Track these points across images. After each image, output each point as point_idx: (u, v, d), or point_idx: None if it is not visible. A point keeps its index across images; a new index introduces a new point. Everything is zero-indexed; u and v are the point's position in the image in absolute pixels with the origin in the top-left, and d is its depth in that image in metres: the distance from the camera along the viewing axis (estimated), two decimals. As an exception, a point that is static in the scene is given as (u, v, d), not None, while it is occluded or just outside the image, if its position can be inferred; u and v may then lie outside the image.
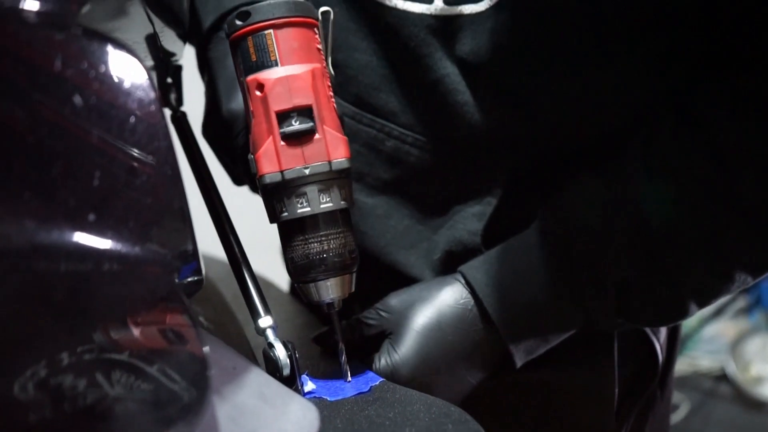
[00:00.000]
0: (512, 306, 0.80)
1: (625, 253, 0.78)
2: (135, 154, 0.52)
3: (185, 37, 0.82)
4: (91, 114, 0.50)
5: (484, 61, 0.79)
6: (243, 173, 0.81)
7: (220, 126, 0.81)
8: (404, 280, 0.86)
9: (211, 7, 0.84)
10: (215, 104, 0.83)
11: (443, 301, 0.80)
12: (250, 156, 0.71)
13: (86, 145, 0.50)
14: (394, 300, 0.82)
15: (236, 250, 0.76)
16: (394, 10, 0.82)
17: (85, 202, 0.49)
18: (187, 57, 0.92)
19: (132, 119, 0.52)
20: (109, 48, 0.52)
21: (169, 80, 0.87)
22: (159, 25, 0.75)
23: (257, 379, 0.60)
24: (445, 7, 0.80)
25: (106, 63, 0.51)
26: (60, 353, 0.43)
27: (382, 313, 0.82)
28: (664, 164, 0.77)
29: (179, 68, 0.88)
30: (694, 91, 0.79)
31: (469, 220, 0.85)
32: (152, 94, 0.52)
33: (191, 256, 0.59)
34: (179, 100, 0.88)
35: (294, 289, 1.15)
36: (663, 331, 0.93)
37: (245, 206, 1.04)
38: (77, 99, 0.50)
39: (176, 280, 0.57)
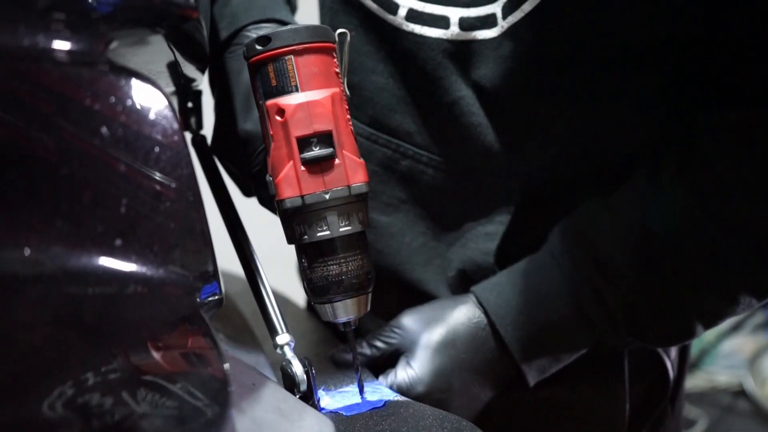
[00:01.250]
0: (524, 326, 0.83)
1: (633, 277, 0.81)
2: (159, 181, 0.55)
3: (204, 69, 0.85)
4: (119, 144, 0.53)
5: (497, 85, 0.82)
6: (256, 189, 0.84)
7: (234, 144, 0.83)
8: (420, 296, 0.89)
9: (226, 22, 0.86)
10: (228, 120, 0.84)
11: (457, 319, 0.84)
12: (269, 178, 0.73)
13: (114, 174, 0.53)
14: (408, 319, 0.85)
15: (254, 268, 0.78)
16: (411, 35, 0.85)
17: (112, 228, 0.52)
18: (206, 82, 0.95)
19: (156, 148, 0.55)
20: (134, 81, 0.55)
21: (190, 105, 0.91)
22: (179, 55, 0.78)
23: (275, 394, 0.62)
24: (461, 32, 0.83)
25: (131, 96, 0.54)
26: (88, 373, 0.46)
27: (397, 331, 0.85)
28: (669, 192, 0.80)
29: (199, 93, 0.91)
30: (699, 122, 0.81)
31: (481, 239, 0.87)
32: (175, 125, 0.55)
33: (212, 276, 0.61)
34: (199, 124, 0.90)
35: (310, 306, 1.17)
36: (673, 350, 0.95)
37: (262, 224, 1.07)
38: (105, 130, 0.53)
39: (197, 300, 0.60)
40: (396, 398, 0.75)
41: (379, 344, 0.85)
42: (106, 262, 0.52)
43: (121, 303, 0.52)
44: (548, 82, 0.82)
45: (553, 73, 0.81)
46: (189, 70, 0.86)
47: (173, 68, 0.81)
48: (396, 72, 0.88)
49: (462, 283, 0.89)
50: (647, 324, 0.82)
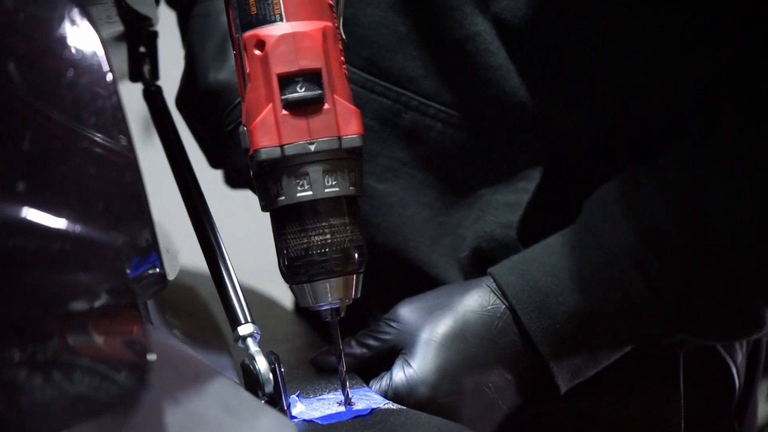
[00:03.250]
0: (552, 314, 0.77)
1: (685, 251, 0.75)
2: (74, 119, 0.52)
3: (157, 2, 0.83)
4: (23, 72, 0.50)
5: (520, 19, 0.78)
6: (225, 156, 0.81)
7: (203, 99, 0.78)
8: (426, 282, 0.83)
9: None
10: (198, 73, 0.80)
11: (467, 306, 0.78)
12: (243, 128, 0.68)
13: (14, 106, 0.50)
14: (406, 309, 0.79)
15: (213, 243, 0.72)
16: None
17: (12, 168, 0.50)
18: (166, 22, 0.93)
19: (71, 78, 0.50)
20: (61, 9, 0.52)
21: (143, 49, 0.85)
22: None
23: (223, 389, 0.57)
24: None
25: (47, 17, 0.52)
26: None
27: (393, 325, 0.78)
28: (729, 150, 0.76)
29: (154, 35, 0.86)
30: (756, 75, 0.77)
31: (500, 210, 0.82)
32: (99, 54, 0.51)
33: (148, 245, 0.59)
34: (154, 73, 0.84)
35: (299, 308, 1.15)
36: (740, 352, 0.89)
37: (241, 204, 1.04)
38: (7, 55, 0.51)
39: (128, 271, 0.57)
40: (387, 406, 0.72)
41: (371, 342, 0.79)
42: (6, 208, 0.50)
43: (25, 258, 0.50)
44: (581, 19, 0.77)
45: (586, 9, 0.77)
46: (140, 5, 0.84)
47: (120, 2, 0.79)
48: (397, 3, 0.83)
49: (477, 265, 0.83)
50: (702, 310, 0.77)
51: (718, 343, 0.85)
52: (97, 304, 0.52)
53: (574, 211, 0.81)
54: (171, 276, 0.71)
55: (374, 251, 0.84)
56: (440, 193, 0.85)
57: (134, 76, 0.85)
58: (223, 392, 0.59)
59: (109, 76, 0.53)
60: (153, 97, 0.83)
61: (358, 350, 0.80)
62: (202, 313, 1.01)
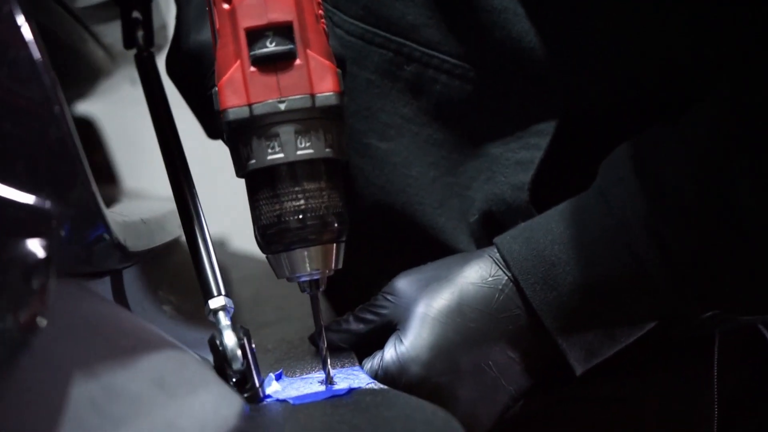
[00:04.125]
0: (559, 286, 0.72)
1: (707, 223, 0.71)
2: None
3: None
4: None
5: None
6: (203, 120, 0.79)
7: (185, 62, 0.77)
8: (434, 248, 0.80)
9: None
10: (181, 36, 0.78)
11: (466, 278, 0.74)
12: (214, 89, 0.66)
13: None
14: (403, 281, 0.76)
15: (193, 213, 0.71)
16: None
17: None
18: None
19: None
20: None
21: (136, 15, 0.85)
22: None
23: (165, 364, 0.56)
24: None
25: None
26: None
27: (390, 299, 0.75)
28: (762, 118, 0.71)
29: (148, 0, 0.85)
30: None
31: (511, 169, 0.78)
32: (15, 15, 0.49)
33: (88, 208, 0.57)
34: (148, 39, 0.83)
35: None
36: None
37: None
38: None
39: (64, 236, 0.55)
40: (370, 386, 0.69)
41: (368, 316, 0.76)
42: None
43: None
44: None
45: None
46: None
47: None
48: None
49: (488, 230, 0.79)
50: (723, 281, 0.71)
51: (745, 318, 0.78)
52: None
53: (591, 173, 0.76)
54: (137, 247, 0.69)
55: (377, 214, 0.82)
56: (447, 151, 0.81)
57: (128, 42, 0.84)
58: (162, 367, 0.56)
59: (21, 21, 0.50)
60: (144, 62, 0.81)
61: (354, 326, 0.77)
62: (191, 283, 1.00)
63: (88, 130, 1.50)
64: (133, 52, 0.85)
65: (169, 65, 0.79)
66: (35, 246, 0.50)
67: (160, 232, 0.78)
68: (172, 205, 0.84)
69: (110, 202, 1.11)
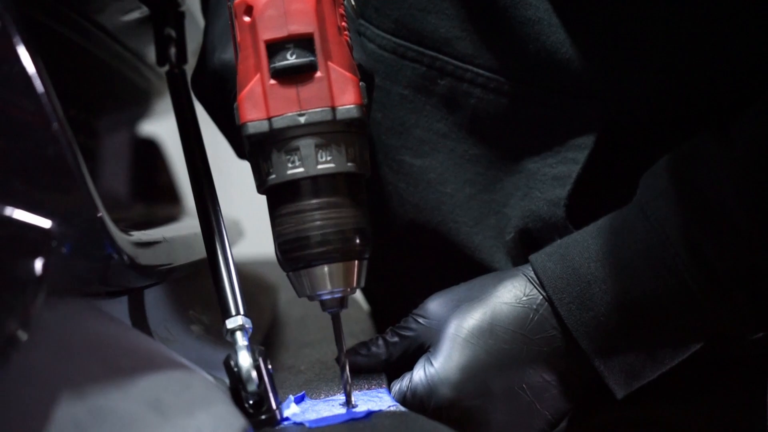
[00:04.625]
0: (596, 306, 0.71)
1: (752, 239, 0.69)
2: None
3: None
4: None
5: None
6: (231, 139, 0.78)
7: (211, 81, 0.78)
8: (470, 266, 0.80)
9: None
10: (207, 54, 0.77)
11: (499, 298, 0.73)
12: (235, 104, 0.66)
13: None
14: (435, 302, 0.75)
15: (214, 230, 0.71)
16: None
17: None
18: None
19: None
20: None
21: (170, 31, 0.85)
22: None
23: (162, 385, 0.55)
24: None
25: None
26: None
27: (421, 321, 0.74)
28: None
29: (181, 16, 0.86)
30: None
31: (548, 185, 0.77)
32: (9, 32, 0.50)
33: (90, 231, 0.57)
34: (181, 56, 0.83)
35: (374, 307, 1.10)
36: None
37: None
38: None
39: (63, 253, 0.55)
40: (392, 409, 0.67)
41: (396, 339, 0.75)
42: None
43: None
44: None
45: None
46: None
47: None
48: None
49: (525, 248, 0.78)
50: None
51: None
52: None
53: (631, 188, 0.73)
54: (157, 266, 0.69)
55: (413, 232, 0.82)
56: (483, 167, 0.81)
57: (161, 59, 0.85)
58: (161, 388, 0.56)
59: (17, 40, 0.51)
60: (175, 79, 0.82)
61: (383, 348, 0.75)
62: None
63: (152, 149, 1.52)
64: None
65: (195, 84, 0.79)
66: (26, 263, 0.50)
67: (185, 251, 0.78)
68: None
69: (170, 220, 1.12)
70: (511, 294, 0.73)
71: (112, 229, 0.59)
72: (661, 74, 0.74)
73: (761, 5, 0.72)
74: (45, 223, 0.54)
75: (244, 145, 0.67)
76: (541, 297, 0.72)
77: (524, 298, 0.73)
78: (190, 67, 0.87)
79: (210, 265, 0.71)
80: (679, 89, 0.75)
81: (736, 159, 0.69)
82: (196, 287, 0.86)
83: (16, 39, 0.52)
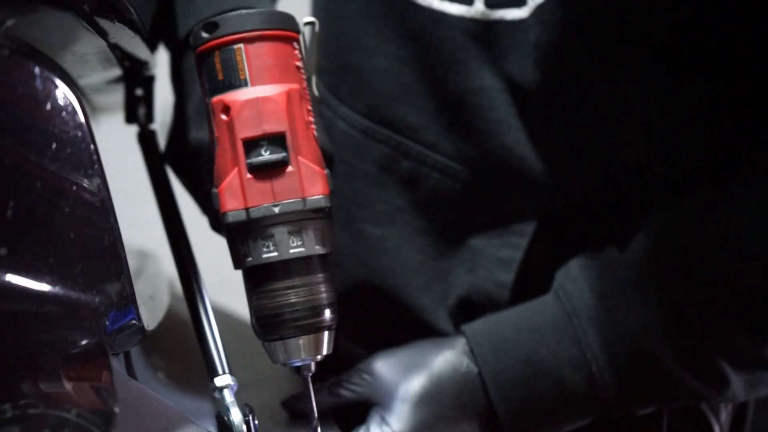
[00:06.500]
0: (519, 384, 0.84)
1: (654, 322, 0.83)
2: (55, 184, 0.59)
3: (152, 45, 0.90)
4: (4, 139, 0.58)
5: (527, 78, 0.84)
6: (205, 211, 0.85)
7: (184, 155, 0.85)
8: (416, 325, 0.91)
9: (191, 11, 0.88)
10: (182, 127, 0.86)
11: (441, 367, 0.85)
12: (214, 190, 0.74)
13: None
14: (381, 364, 0.86)
15: (196, 290, 0.81)
16: (428, 11, 0.87)
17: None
18: (162, 65, 1.00)
19: (53, 145, 0.59)
20: (32, 68, 0.59)
21: (140, 92, 0.94)
22: (117, 31, 0.83)
23: None
24: (486, 10, 0.84)
25: (26, 84, 0.59)
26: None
27: (367, 378, 0.86)
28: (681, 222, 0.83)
29: (151, 79, 0.94)
30: (747, 154, 0.84)
31: (494, 266, 0.89)
32: (78, 118, 0.59)
33: (125, 300, 0.66)
34: (149, 115, 0.93)
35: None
36: (725, 411, 0.95)
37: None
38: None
39: (106, 326, 0.65)
40: None
41: (343, 392, 0.86)
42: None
43: (5, 319, 0.57)
44: (585, 80, 0.83)
45: (590, 70, 0.83)
46: (134, 48, 0.91)
47: (116, 49, 0.87)
48: (403, 54, 0.89)
49: (466, 313, 0.90)
50: (656, 370, 0.83)
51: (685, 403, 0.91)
52: (70, 360, 0.59)
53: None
54: (151, 326, 0.79)
55: (367, 292, 0.93)
56: (434, 240, 0.92)
57: (130, 117, 0.93)
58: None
59: (91, 146, 0.60)
60: (147, 140, 0.91)
61: (329, 399, 0.87)
62: (190, 353, 1.07)
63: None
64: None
65: (169, 153, 0.89)
66: (101, 339, 0.59)
67: (161, 307, 0.87)
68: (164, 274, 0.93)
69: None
70: (450, 365, 0.86)
71: (137, 298, 0.68)
72: (596, 178, 0.88)
73: (688, 128, 0.86)
74: (93, 300, 0.63)
75: (224, 230, 0.76)
76: (476, 371, 0.86)
77: (463, 371, 0.86)
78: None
79: (195, 327, 0.81)
80: (608, 190, 0.88)
81: (635, 260, 0.85)
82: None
83: (80, 120, 0.60)
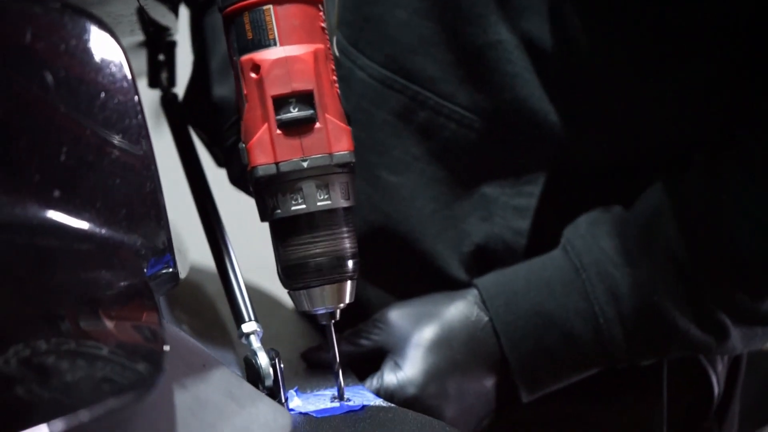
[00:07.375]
0: (518, 311, 0.91)
1: (659, 277, 0.89)
2: (104, 132, 0.64)
3: (176, 10, 0.95)
4: (60, 89, 0.62)
5: (549, 39, 0.90)
6: (227, 165, 0.90)
7: (207, 111, 0.90)
8: (430, 271, 0.97)
9: None
10: (203, 83, 0.91)
11: (452, 315, 0.91)
12: (242, 145, 0.78)
13: (53, 121, 0.62)
14: (395, 314, 0.93)
15: (222, 245, 0.85)
16: None
17: (49, 178, 0.62)
18: (183, 33, 1.05)
19: (102, 95, 0.63)
20: (83, 23, 0.63)
21: (162, 57, 0.99)
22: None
23: (227, 378, 0.69)
24: None
25: (78, 38, 0.63)
26: (19, 326, 0.56)
27: (382, 327, 0.92)
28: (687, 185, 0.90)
29: (173, 44, 0.99)
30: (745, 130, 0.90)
31: (509, 214, 0.95)
32: (125, 72, 0.64)
33: (164, 246, 0.71)
34: (171, 80, 0.98)
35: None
36: (721, 363, 1.02)
37: (249, 205, 1.15)
38: (46, 73, 0.63)
39: (145, 271, 0.70)
40: (377, 403, 0.82)
41: (360, 341, 0.92)
42: (43, 213, 0.62)
43: (58, 258, 0.62)
44: (597, 44, 0.89)
45: (602, 35, 0.89)
46: (160, 16, 0.97)
47: (142, 14, 0.92)
48: (423, 7, 0.94)
49: (481, 262, 0.96)
50: (659, 321, 0.89)
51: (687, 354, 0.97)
52: (119, 298, 0.64)
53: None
54: (182, 275, 0.84)
55: (382, 237, 0.99)
56: (447, 188, 0.98)
57: (153, 82, 0.98)
58: (226, 381, 0.71)
59: (136, 98, 0.65)
60: (169, 102, 0.95)
61: (346, 348, 0.93)
62: (208, 310, 1.13)
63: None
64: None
65: (188, 110, 0.94)
66: (146, 280, 0.64)
67: (186, 262, 0.92)
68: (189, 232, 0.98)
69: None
70: (461, 314, 0.92)
71: (172, 247, 0.73)
72: (613, 133, 0.93)
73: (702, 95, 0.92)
74: (135, 243, 0.68)
75: (251, 183, 0.80)
76: (486, 318, 0.92)
77: (473, 319, 0.92)
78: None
79: (221, 277, 0.86)
80: (618, 150, 0.94)
81: (639, 225, 0.91)
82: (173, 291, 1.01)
83: (137, 98, 0.66)
